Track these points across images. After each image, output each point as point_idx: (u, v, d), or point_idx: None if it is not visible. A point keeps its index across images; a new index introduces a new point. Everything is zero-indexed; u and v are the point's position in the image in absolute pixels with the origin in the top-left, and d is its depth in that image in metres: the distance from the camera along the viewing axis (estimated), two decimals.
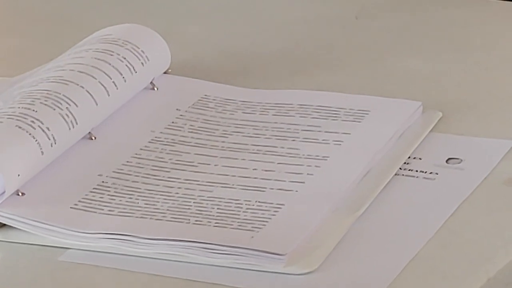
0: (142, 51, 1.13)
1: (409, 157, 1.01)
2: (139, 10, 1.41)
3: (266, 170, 0.99)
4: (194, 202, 0.95)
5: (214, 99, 1.14)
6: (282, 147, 1.03)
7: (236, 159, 1.02)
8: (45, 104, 1.00)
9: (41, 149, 0.97)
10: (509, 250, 0.90)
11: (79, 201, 0.95)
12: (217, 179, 0.99)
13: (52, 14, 1.45)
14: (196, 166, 1.01)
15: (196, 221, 0.92)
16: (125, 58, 1.11)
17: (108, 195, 0.96)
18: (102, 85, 1.06)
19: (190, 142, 1.05)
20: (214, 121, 1.09)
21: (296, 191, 0.95)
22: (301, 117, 1.09)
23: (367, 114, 1.08)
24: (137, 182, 0.99)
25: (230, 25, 1.37)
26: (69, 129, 1.01)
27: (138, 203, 0.95)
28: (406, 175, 0.99)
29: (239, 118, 1.10)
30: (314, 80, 1.18)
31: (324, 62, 1.26)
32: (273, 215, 0.92)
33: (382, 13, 1.36)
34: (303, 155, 1.01)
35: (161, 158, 1.03)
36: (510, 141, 1.04)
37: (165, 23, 1.22)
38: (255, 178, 0.98)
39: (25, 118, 0.98)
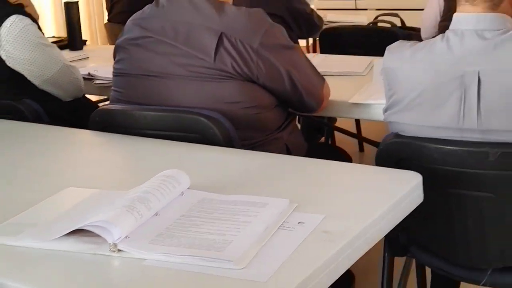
0: (177, 180, 1.08)
1: (284, 221, 0.99)
2: (176, 162, 1.29)
3: (227, 226, 0.98)
4: (199, 239, 0.94)
5: (208, 199, 1.08)
6: (234, 218, 1.01)
7: (215, 222, 0.99)
8: (139, 202, 1.00)
9: (136, 219, 0.97)
10: (322, 258, 0.89)
11: (152, 240, 0.95)
12: (209, 230, 0.97)
13: (133, 167, 1.38)
14: (198, 224, 0.99)
15: (199, 245, 0.92)
16: (170, 183, 1.07)
17: (163, 237, 0.96)
18: (162, 194, 1.04)
19: (199, 216, 1.02)
20: (207, 207, 1.05)
21: (238, 234, 0.95)
22: (241, 205, 1.04)
23: (267, 204, 1.04)
24: (174, 230, 0.97)
25: (209, 173, 1.24)
26: (148, 211, 1.00)
27: (177, 240, 0.94)
28: (282, 228, 0.97)
29: (218, 205, 1.05)
30: (252, 192, 1.10)
31: (257, 186, 1.16)
32: (229, 244, 0.92)
33: None
34: (241, 220, 0.99)
35: (184, 222, 1.00)
36: (322, 215, 0.99)
37: (189, 168, 1.15)
38: (223, 230, 0.97)
39: (129, 207, 0.98)
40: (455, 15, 1.35)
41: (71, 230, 0.96)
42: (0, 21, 1.80)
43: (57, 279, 0.89)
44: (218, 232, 0.97)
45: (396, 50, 1.37)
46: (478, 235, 1.37)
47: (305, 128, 3.30)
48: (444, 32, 1.35)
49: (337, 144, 3.22)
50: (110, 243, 0.93)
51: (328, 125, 3.20)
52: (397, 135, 1.38)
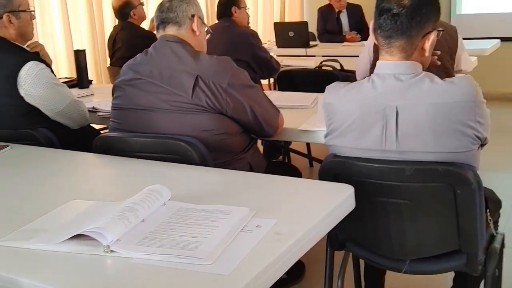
0: (160, 193, 1.08)
1: (244, 225, 0.98)
2: (160, 179, 1.28)
3: (199, 230, 0.96)
4: (176, 241, 0.93)
5: (184, 208, 1.06)
6: (204, 223, 0.99)
7: (190, 226, 0.98)
8: (128, 211, 0.99)
9: (125, 226, 0.96)
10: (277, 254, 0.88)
11: (138, 242, 0.94)
12: (185, 233, 0.95)
13: (125, 183, 1.33)
14: (176, 229, 0.98)
15: (176, 246, 0.91)
16: (154, 195, 1.06)
17: (148, 239, 0.94)
18: (147, 204, 1.03)
19: (177, 222, 1.00)
20: (184, 215, 1.03)
21: (207, 237, 0.94)
22: (210, 213, 1.03)
23: (232, 212, 1.03)
24: (157, 234, 0.96)
25: (186, 187, 1.22)
26: (136, 218, 0.99)
27: (158, 242, 0.93)
28: (243, 231, 0.96)
29: (192, 213, 1.04)
30: (220, 202, 1.08)
31: (225, 197, 1.12)
32: (200, 244, 0.91)
33: None
34: (210, 225, 0.97)
35: (165, 227, 0.99)
36: (275, 220, 0.98)
37: (170, 183, 1.13)
38: (195, 233, 0.95)
39: (120, 215, 0.97)
40: (378, 62, 1.35)
41: (73, 235, 0.95)
42: (20, 66, 1.79)
43: (61, 274, 0.88)
44: (191, 235, 0.95)
45: (333, 89, 1.38)
46: (398, 233, 1.37)
47: (266, 148, 3.33)
48: None
49: (292, 161, 3.27)
50: (104, 245, 0.92)
51: (284, 147, 3.25)
52: (335, 155, 1.39)
